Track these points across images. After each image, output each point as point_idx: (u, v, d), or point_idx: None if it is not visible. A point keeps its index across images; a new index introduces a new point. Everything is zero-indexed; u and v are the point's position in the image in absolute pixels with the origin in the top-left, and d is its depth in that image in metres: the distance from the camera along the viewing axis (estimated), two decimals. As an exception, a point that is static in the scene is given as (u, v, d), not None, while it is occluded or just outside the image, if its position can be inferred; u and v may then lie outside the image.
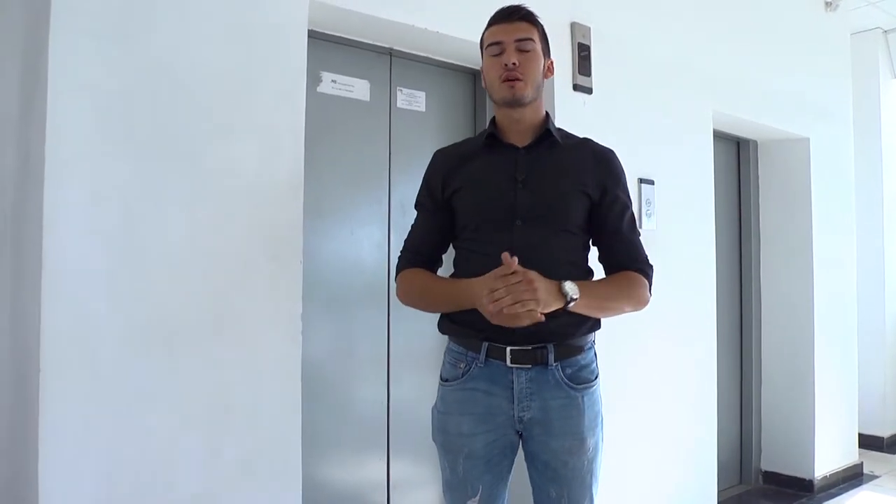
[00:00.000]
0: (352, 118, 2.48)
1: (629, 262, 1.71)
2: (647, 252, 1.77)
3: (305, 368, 2.07)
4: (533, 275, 1.51)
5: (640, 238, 1.76)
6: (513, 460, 1.71)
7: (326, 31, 2.33)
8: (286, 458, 2.00)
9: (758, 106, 3.71)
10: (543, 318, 1.51)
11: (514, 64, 1.64)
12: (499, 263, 1.52)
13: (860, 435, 4.37)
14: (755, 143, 4.12)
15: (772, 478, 4.02)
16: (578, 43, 2.74)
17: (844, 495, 3.93)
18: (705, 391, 3.35)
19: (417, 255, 1.78)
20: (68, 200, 1.68)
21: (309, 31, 2.12)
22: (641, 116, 3.02)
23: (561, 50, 2.71)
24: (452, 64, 2.72)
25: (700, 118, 3.37)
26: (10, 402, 1.77)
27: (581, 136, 1.80)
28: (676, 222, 3.18)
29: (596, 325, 1.72)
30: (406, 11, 2.30)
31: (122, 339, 1.74)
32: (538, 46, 1.69)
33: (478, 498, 1.68)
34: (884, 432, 4.83)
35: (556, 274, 1.57)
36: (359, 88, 2.49)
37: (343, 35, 2.40)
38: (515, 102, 1.66)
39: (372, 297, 2.51)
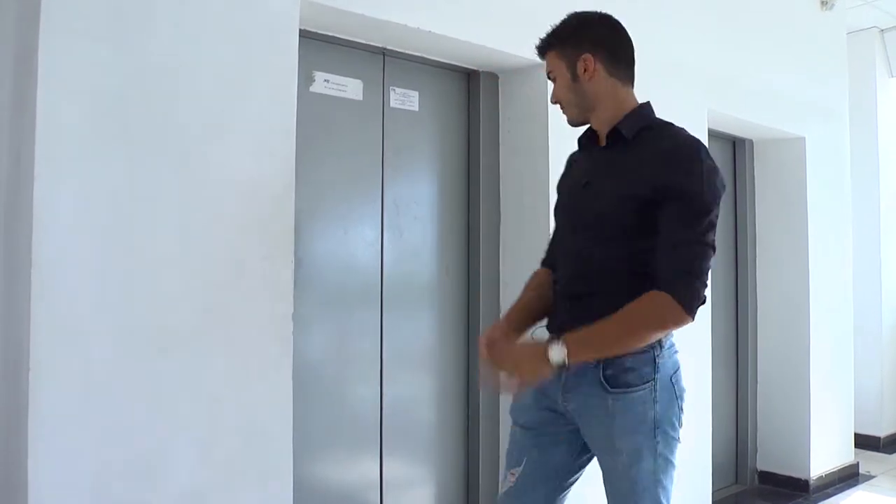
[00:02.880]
0: (345, 118, 2.47)
1: (660, 278, 1.50)
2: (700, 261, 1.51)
3: (298, 368, 2.07)
4: (508, 352, 1.55)
5: (700, 246, 1.50)
6: (567, 452, 1.67)
7: (319, 31, 2.33)
8: (277, 457, 2.00)
9: (753, 105, 3.70)
10: (548, 375, 1.49)
11: (554, 101, 1.73)
12: (566, 269, 1.62)
13: (856, 435, 4.37)
14: (751, 142, 4.12)
15: (767, 478, 4.02)
16: (572, 42, 2.72)
17: (840, 495, 3.93)
18: (699, 391, 3.34)
19: (547, 256, 1.85)
20: (58, 200, 1.68)
21: (301, 30, 2.12)
22: (635, 116, 3.01)
23: (554, 49, 2.71)
24: (446, 63, 2.72)
25: (694, 117, 3.35)
26: (0, 402, 1.77)
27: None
28: (671, 222, 3.16)
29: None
30: (399, 11, 2.30)
31: (112, 338, 1.74)
32: (563, 67, 1.68)
33: (520, 469, 1.65)
34: (880, 432, 4.82)
35: (603, 284, 1.56)
36: (352, 88, 2.48)
37: (336, 34, 2.39)
38: (574, 124, 1.73)
39: (365, 296, 2.50)
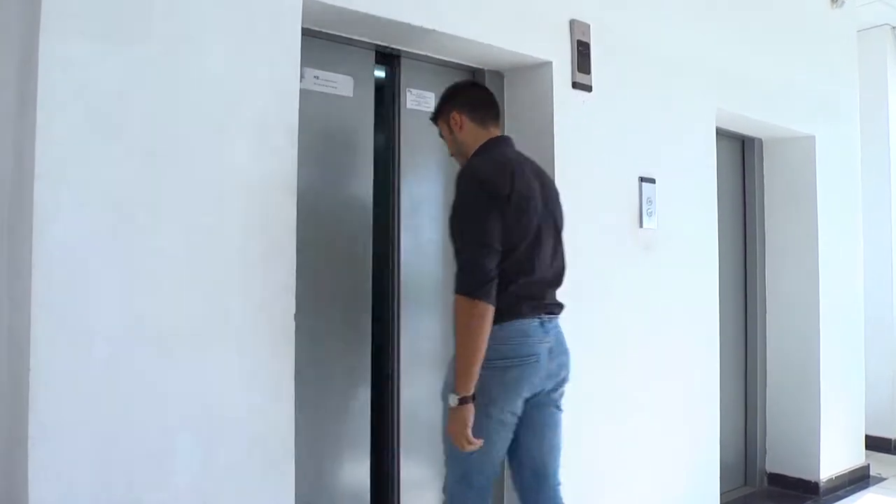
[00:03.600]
0: (335, 114, 2.45)
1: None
2: (458, 260, 1.95)
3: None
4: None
5: (465, 251, 1.93)
6: None
7: (319, 29, 2.31)
8: (280, 459, 1.98)
9: (763, 103, 3.67)
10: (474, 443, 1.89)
11: (451, 154, 2.22)
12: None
13: (867, 436, 4.33)
14: (760, 140, 4.08)
15: (777, 479, 3.98)
16: (578, 40, 2.71)
17: (850, 498, 3.89)
18: (708, 392, 3.32)
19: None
20: (59, 200, 1.67)
21: (302, 28, 2.10)
22: (642, 114, 3.00)
23: (560, 47, 2.70)
24: (451, 63, 2.70)
25: (703, 116, 3.33)
26: (1, 403, 1.77)
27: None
28: (678, 221, 3.15)
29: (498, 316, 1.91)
30: (402, 9, 2.28)
31: (113, 340, 1.73)
32: (446, 128, 2.17)
33: None
34: (891, 434, 4.78)
35: None
36: (342, 84, 2.46)
37: (336, 32, 2.38)
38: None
39: (356, 294, 2.50)
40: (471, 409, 1.87)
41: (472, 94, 2.19)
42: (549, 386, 2.07)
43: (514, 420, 2.01)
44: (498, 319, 1.90)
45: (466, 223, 1.94)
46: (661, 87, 3.09)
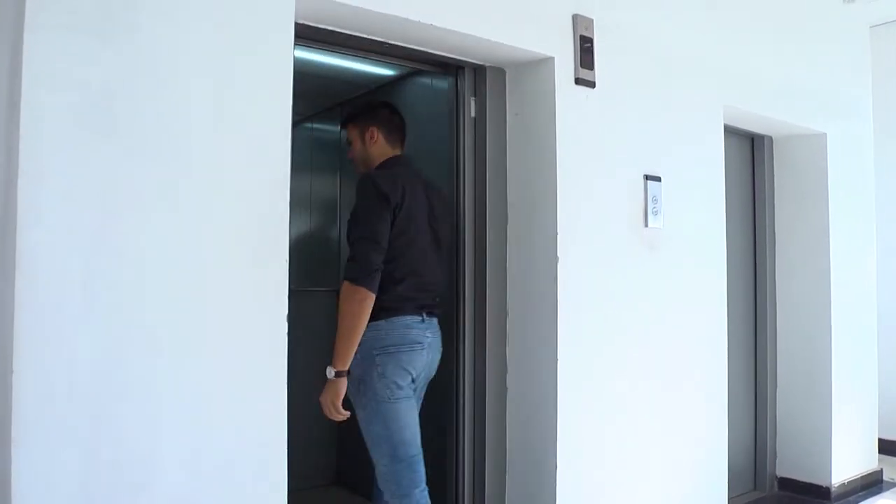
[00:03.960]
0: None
1: None
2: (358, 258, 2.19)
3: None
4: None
5: (356, 241, 2.21)
6: None
7: (315, 24, 2.27)
8: (272, 465, 1.94)
9: (772, 100, 3.60)
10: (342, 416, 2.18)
11: (350, 157, 2.54)
12: None
13: (880, 440, 4.24)
14: (770, 138, 4.01)
15: (787, 484, 3.91)
16: (581, 35, 2.65)
17: (863, 503, 3.81)
18: (715, 394, 3.25)
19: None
20: (43, 198, 1.64)
21: (297, 24, 2.06)
22: (648, 110, 2.94)
23: (562, 43, 2.64)
24: (451, 58, 2.65)
25: (710, 112, 3.27)
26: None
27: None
28: (685, 221, 3.09)
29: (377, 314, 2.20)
30: (399, 4, 2.23)
31: (99, 340, 1.70)
32: (357, 135, 2.47)
33: None
34: (905, 437, 4.67)
35: None
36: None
37: (333, 28, 2.33)
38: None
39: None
40: (344, 382, 2.15)
41: (392, 117, 2.50)
42: (423, 375, 2.35)
43: (412, 393, 2.29)
44: (385, 315, 2.22)
45: (361, 223, 2.22)
46: (667, 82, 3.02)
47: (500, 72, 2.76)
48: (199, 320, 1.84)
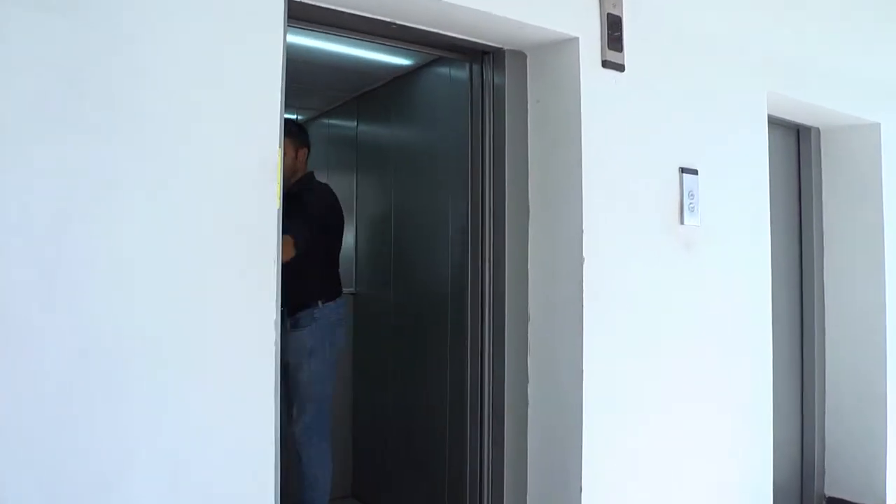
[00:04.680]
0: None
1: None
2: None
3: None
4: None
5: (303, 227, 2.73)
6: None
7: (319, 4, 2.07)
8: (260, 483, 1.75)
9: (821, 87, 3.33)
10: None
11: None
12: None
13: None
14: (817, 130, 3.75)
15: (836, 504, 3.63)
16: (608, 14, 2.42)
17: (922, 526, 3.52)
18: (760, 408, 3.01)
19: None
20: (1, 191, 1.47)
21: (293, 2, 1.88)
22: (683, 97, 2.70)
23: (588, 22, 2.41)
24: (464, 40, 2.44)
25: (753, 100, 3.02)
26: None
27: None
28: (725, 218, 2.85)
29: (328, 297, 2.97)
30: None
31: (63, 354, 1.53)
32: (291, 152, 2.96)
33: None
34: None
35: None
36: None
37: (338, 8, 2.13)
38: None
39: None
40: None
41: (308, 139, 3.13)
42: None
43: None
44: (328, 299, 2.93)
45: (312, 219, 2.84)
46: (705, 66, 2.78)
47: (519, 55, 2.55)
48: (176, 329, 1.67)
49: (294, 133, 2.96)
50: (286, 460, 2.38)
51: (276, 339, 1.76)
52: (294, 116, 4.43)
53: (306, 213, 2.80)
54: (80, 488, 1.54)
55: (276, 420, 1.78)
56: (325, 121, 4.29)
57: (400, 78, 3.40)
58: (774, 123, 3.36)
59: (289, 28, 2.13)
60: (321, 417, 2.86)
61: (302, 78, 3.59)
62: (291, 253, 2.62)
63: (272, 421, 1.77)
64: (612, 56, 2.43)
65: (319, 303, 2.88)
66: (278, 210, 1.80)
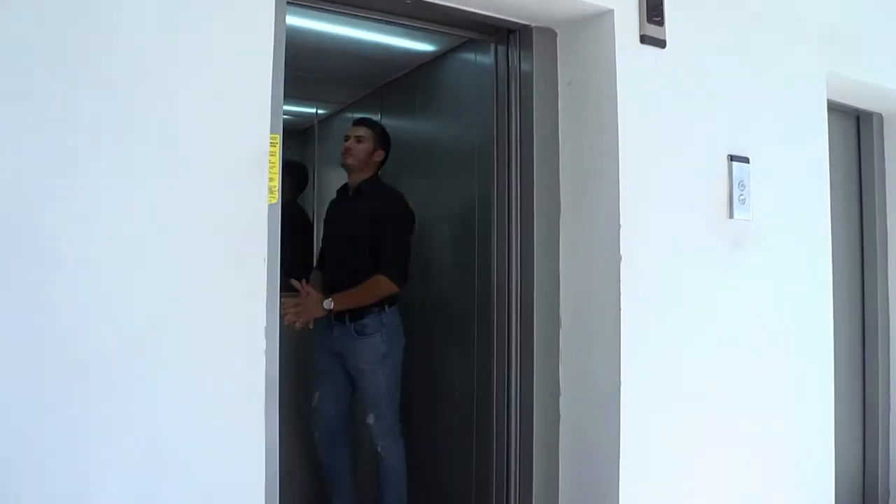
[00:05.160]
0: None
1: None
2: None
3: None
4: (304, 296, 2.69)
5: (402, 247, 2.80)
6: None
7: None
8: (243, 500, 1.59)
9: (886, 67, 3.08)
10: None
11: (345, 151, 2.94)
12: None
13: None
14: (880, 116, 3.48)
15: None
16: (646, -18, 2.21)
17: None
18: (819, 423, 2.77)
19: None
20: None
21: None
22: (732, 77, 2.48)
23: (624, -7, 2.20)
24: (488, 16, 2.26)
25: (811, 80, 2.78)
26: None
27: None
28: (780, 212, 2.62)
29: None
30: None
31: (23, 365, 1.40)
32: (370, 143, 2.92)
33: (317, 394, 2.89)
34: None
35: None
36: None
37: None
38: (348, 170, 2.97)
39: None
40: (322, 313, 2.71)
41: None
42: None
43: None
44: (391, 303, 2.83)
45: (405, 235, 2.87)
46: (756, 43, 2.57)
47: (548, 33, 2.35)
48: (153, 336, 1.52)
49: (379, 133, 2.98)
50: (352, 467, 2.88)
51: (266, 348, 1.59)
52: (314, 110, 4.31)
53: (398, 238, 2.80)
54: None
55: (269, 436, 1.61)
56: (349, 114, 4.18)
57: (424, 66, 3.29)
58: (832, 109, 3.10)
59: (295, 7, 1.97)
60: (397, 418, 2.87)
61: (321, 68, 3.49)
62: (395, 288, 2.73)
63: (259, 441, 1.61)
64: (652, 30, 2.23)
65: (386, 307, 2.81)
66: (271, 205, 1.62)
